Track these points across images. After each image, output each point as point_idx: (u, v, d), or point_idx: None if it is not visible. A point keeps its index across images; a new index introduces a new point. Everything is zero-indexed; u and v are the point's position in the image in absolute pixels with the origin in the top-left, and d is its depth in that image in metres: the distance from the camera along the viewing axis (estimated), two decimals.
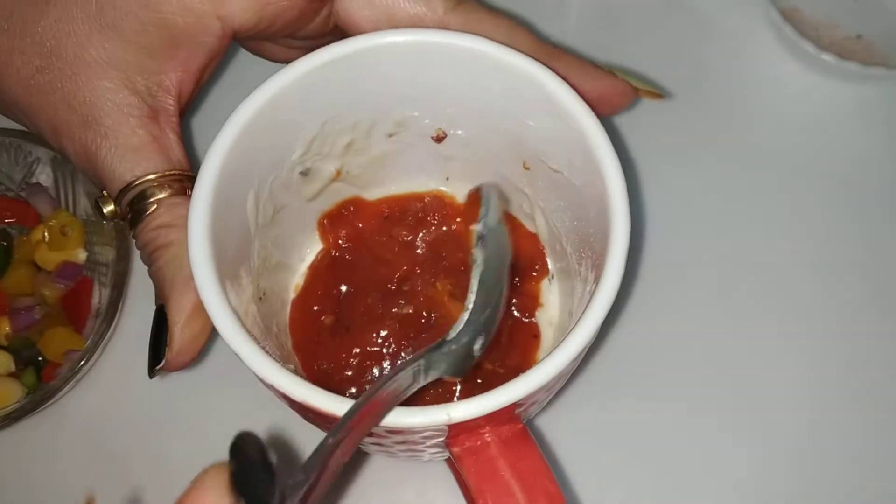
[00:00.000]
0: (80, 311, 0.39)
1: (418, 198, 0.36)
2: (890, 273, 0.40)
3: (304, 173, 0.32)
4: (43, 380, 0.37)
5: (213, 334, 0.28)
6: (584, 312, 0.25)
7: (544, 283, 0.35)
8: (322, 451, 0.20)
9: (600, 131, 0.27)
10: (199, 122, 0.43)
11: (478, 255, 0.25)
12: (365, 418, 0.22)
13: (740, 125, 0.43)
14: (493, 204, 0.26)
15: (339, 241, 0.35)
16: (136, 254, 0.39)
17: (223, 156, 0.27)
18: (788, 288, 0.40)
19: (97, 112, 0.29)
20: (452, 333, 0.25)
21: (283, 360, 0.25)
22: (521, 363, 0.33)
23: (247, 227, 0.29)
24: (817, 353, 0.38)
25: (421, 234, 0.35)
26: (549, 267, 0.35)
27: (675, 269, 0.40)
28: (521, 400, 0.24)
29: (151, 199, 0.28)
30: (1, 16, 0.30)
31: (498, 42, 0.28)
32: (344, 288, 0.35)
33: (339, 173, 0.34)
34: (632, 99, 0.33)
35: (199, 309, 0.26)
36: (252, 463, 0.18)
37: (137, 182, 0.28)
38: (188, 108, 0.31)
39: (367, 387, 0.32)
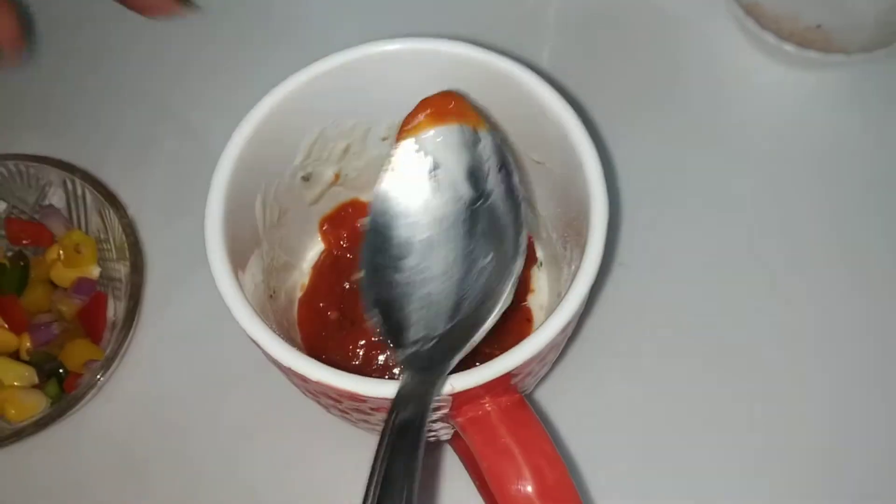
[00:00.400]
0: (97, 323, 0.40)
1: None
2: (863, 250, 0.42)
3: (306, 178, 0.34)
4: (65, 390, 0.39)
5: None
6: (569, 287, 0.27)
7: (534, 270, 0.37)
8: None
9: (577, 123, 0.29)
10: (206, 118, 0.46)
11: None
12: None
13: (711, 115, 0.45)
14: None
15: (340, 242, 0.38)
16: (149, 267, 0.42)
17: (232, 164, 0.29)
18: (764, 269, 0.41)
19: None
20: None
21: None
22: (516, 345, 0.35)
23: (256, 229, 0.32)
24: (798, 333, 0.40)
25: None
26: (538, 254, 0.37)
27: (653, 252, 0.41)
28: (517, 369, 0.26)
29: None
30: None
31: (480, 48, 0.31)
32: (346, 285, 0.37)
33: (337, 177, 0.36)
34: None
35: None
36: None
37: None
38: None
39: (375, 376, 0.35)
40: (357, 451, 0.32)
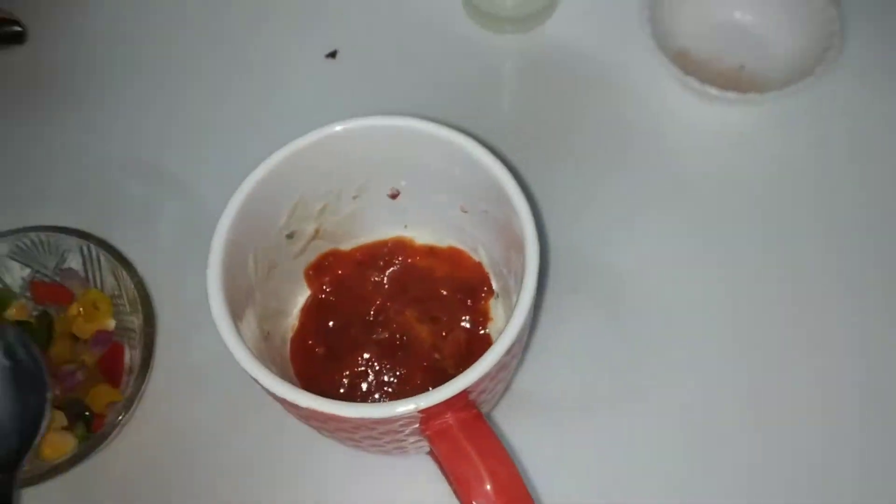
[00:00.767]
0: (116, 370, 0.45)
1: (383, 244, 0.43)
2: (792, 266, 0.46)
3: (290, 236, 0.40)
4: (92, 430, 0.43)
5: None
6: (510, 320, 0.33)
7: (492, 301, 0.42)
8: None
9: (510, 178, 0.35)
10: (202, 186, 0.50)
11: None
12: None
13: (642, 153, 0.50)
14: None
15: (324, 287, 0.43)
16: (160, 318, 0.46)
17: (227, 230, 0.35)
18: (704, 291, 0.46)
19: None
20: None
21: None
22: None
23: (250, 282, 0.37)
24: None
25: (388, 273, 0.43)
26: (494, 287, 0.42)
27: (601, 280, 0.46)
28: (471, 387, 0.31)
29: None
30: None
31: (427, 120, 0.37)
32: (331, 323, 0.42)
33: (317, 232, 0.41)
34: None
35: None
36: None
37: None
38: None
39: (359, 400, 0.40)
40: (377, 471, 0.39)
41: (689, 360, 0.44)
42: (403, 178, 0.40)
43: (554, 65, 0.54)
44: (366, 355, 0.40)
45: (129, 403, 0.43)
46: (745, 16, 0.54)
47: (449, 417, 0.33)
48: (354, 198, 0.41)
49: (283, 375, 0.33)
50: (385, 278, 0.43)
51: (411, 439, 0.35)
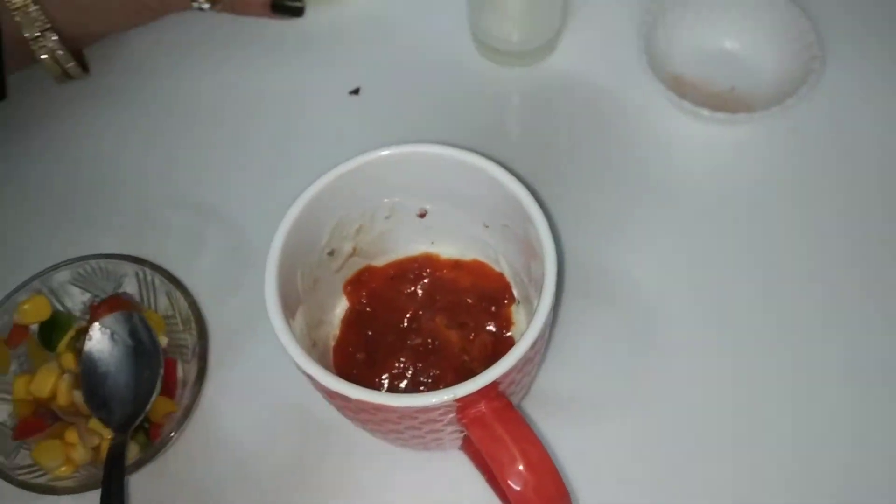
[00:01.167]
0: (170, 383, 0.49)
1: (413, 259, 0.48)
2: (782, 281, 0.50)
3: (331, 253, 0.44)
4: (151, 439, 0.47)
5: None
6: (532, 318, 0.37)
7: (514, 308, 0.47)
8: None
9: (528, 195, 0.40)
10: (244, 216, 0.54)
11: None
12: None
13: (643, 170, 0.54)
14: None
15: (361, 299, 0.47)
16: (214, 333, 0.50)
17: (279, 250, 0.39)
18: (701, 300, 0.50)
19: None
20: None
21: None
22: None
23: (298, 295, 0.42)
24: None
25: (419, 285, 0.47)
26: (515, 295, 0.47)
27: (608, 287, 0.50)
28: (500, 378, 0.36)
29: None
30: None
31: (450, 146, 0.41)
32: (369, 332, 0.46)
33: (354, 250, 0.46)
34: None
35: None
36: None
37: None
38: None
39: None
40: (412, 473, 0.43)
41: (695, 362, 0.48)
42: (431, 199, 0.45)
43: (558, 93, 0.59)
44: (402, 359, 0.45)
45: (186, 412, 0.47)
46: (734, 43, 0.59)
47: (482, 406, 0.37)
48: (387, 218, 0.45)
49: None
50: (416, 290, 0.47)
51: (449, 429, 0.39)
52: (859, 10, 0.60)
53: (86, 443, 0.46)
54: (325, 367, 0.43)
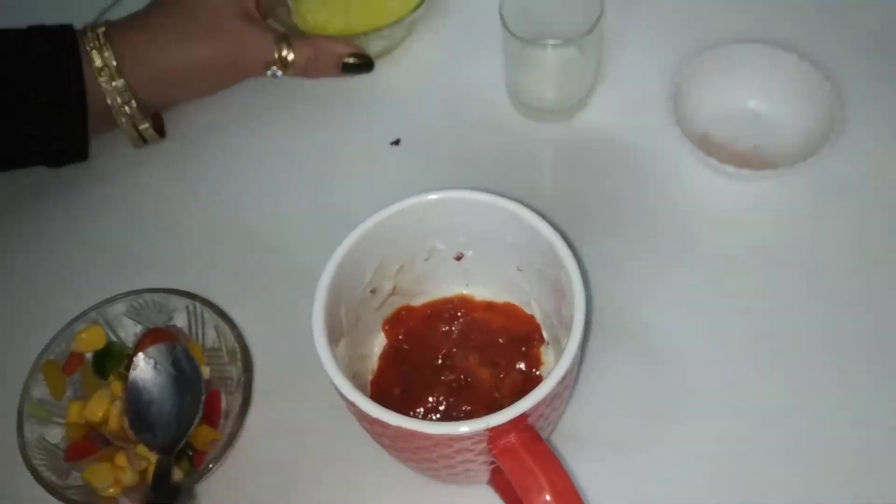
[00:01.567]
0: (214, 412, 0.51)
1: (449, 300, 0.50)
2: (805, 322, 0.52)
3: (373, 291, 0.47)
4: (195, 465, 0.49)
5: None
6: (561, 356, 0.40)
7: (543, 348, 0.49)
8: None
9: (561, 241, 0.42)
10: (293, 253, 0.57)
11: None
12: None
13: (671, 223, 0.57)
14: None
15: (399, 337, 0.49)
16: (257, 364, 0.52)
17: (326, 288, 0.42)
18: (723, 343, 0.52)
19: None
20: None
21: None
22: None
23: (342, 329, 0.44)
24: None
25: (454, 325, 0.50)
26: (545, 336, 0.49)
27: (632, 330, 0.53)
28: (530, 410, 0.38)
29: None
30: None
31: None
32: (406, 368, 0.48)
33: (394, 289, 0.49)
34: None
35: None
36: None
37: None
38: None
39: None
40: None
41: (717, 406, 0.50)
42: (468, 243, 0.48)
43: (590, 148, 0.62)
44: (436, 394, 0.47)
45: (230, 440, 0.49)
46: (759, 103, 0.61)
47: (512, 437, 0.39)
48: (426, 260, 0.48)
49: None
50: (451, 329, 0.50)
51: (479, 460, 0.41)
52: (880, 73, 0.63)
53: (134, 466, 0.49)
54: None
